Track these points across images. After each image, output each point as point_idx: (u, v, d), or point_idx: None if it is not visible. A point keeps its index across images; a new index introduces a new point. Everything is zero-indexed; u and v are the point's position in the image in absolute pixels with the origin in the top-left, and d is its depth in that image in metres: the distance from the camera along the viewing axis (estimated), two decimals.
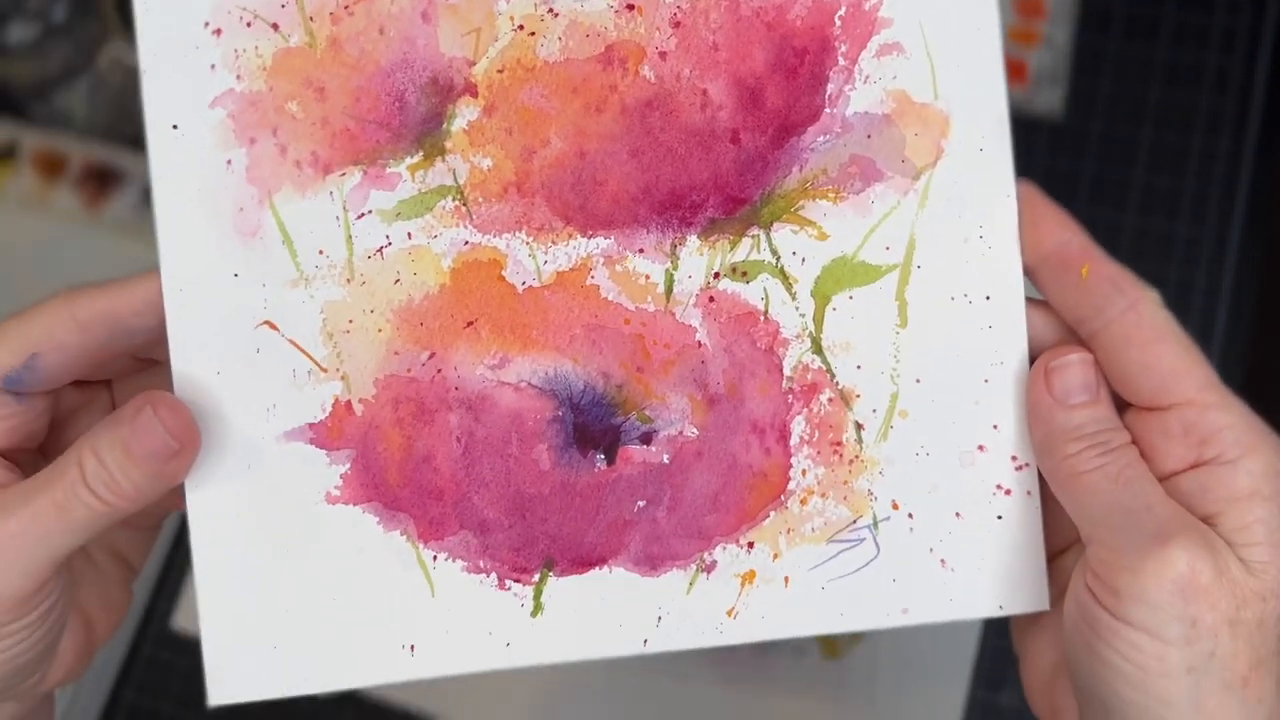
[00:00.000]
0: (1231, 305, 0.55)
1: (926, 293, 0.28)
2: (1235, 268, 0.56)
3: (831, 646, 0.50)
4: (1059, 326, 0.28)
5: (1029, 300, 0.28)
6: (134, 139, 0.68)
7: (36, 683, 0.27)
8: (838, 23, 0.27)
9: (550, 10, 0.27)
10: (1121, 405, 0.27)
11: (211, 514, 0.26)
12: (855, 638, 0.49)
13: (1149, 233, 0.57)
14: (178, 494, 0.28)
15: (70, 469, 0.24)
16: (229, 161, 0.25)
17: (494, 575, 0.27)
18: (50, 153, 0.69)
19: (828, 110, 0.27)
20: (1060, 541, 0.29)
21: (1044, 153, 0.58)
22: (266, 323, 0.26)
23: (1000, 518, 0.28)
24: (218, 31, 0.25)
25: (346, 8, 0.26)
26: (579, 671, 0.50)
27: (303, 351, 0.26)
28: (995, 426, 0.28)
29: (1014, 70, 0.59)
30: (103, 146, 0.67)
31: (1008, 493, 0.28)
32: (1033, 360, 0.28)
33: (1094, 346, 0.27)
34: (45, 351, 0.24)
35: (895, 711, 0.50)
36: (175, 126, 0.25)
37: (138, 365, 0.28)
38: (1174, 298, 0.52)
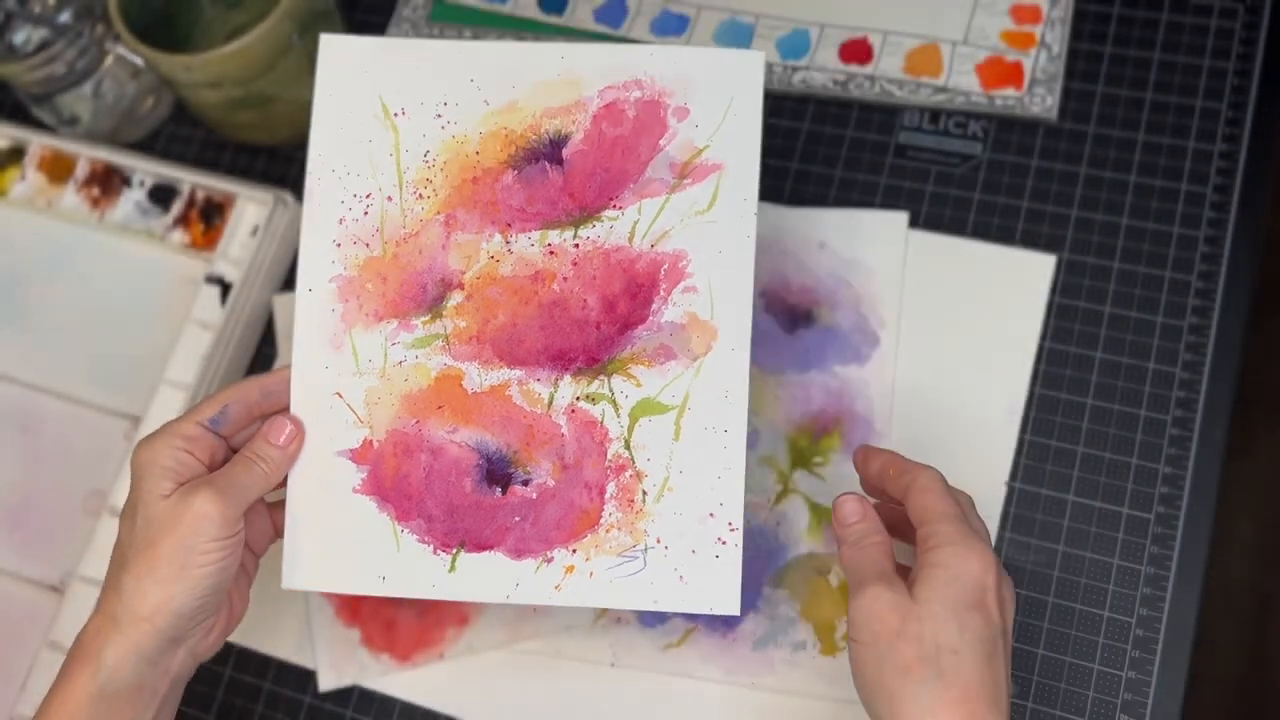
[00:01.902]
0: (1225, 304, 0.56)
1: (692, 424, 0.49)
2: (1229, 267, 0.56)
3: (829, 645, 0.55)
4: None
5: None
6: (137, 142, 0.70)
7: (208, 630, 0.46)
8: (662, 273, 0.50)
9: (509, 249, 0.50)
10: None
11: (298, 488, 0.49)
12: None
13: (1144, 233, 0.58)
14: (276, 529, 0.50)
15: (243, 454, 0.47)
16: (333, 310, 0.50)
17: (431, 545, 0.49)
18: (56, 155, 0.68)
19: (651, 318, 0.50)
20: None
21: (1039, 154, 0.60)
22: (337, 393, 0.49)
23: (718, 557, 0.48)
24: (338, 244, 0.50)
25: (404, 239, 0.50)
26: (582, 668, 0.57)
27: (353, 411, 0.49)
28: (721, 504, 0.48)
29: (1011, 73, 0.61)
30: (108, 149, 0.67)
31: (723, 543, 0.48)
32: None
33: (905, 499, 0.46)
34: (231, 405, 0.48)
35: None
36: (310, 289, 0.50)
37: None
38: (1169, 297, 0.57)
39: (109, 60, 0.67)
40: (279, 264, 0.66)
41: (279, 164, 0.70)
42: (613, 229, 0.50)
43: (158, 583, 0.44)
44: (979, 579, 0.43)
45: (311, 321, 0.50)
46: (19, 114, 0.72)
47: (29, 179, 0.68)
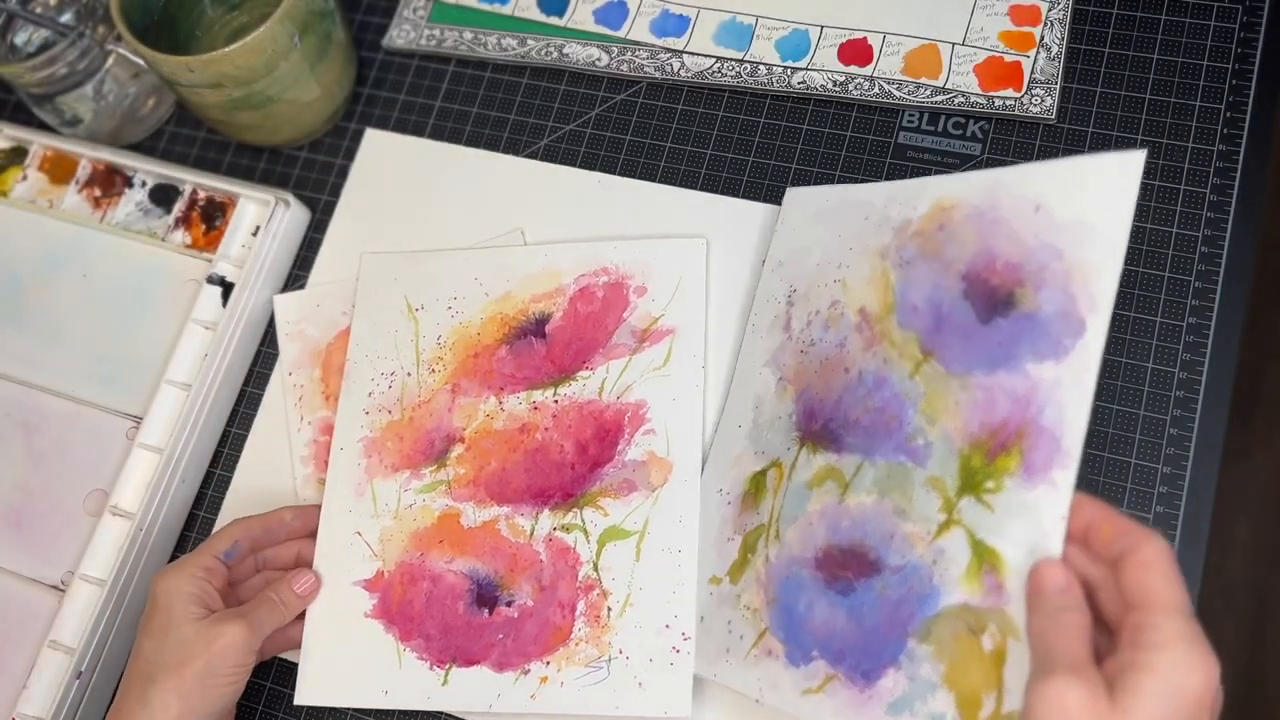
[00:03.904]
0: (1223, 304, 0.56)
1: (652, 547, 0.56)
2: (1227, 267, 0.56)
3: None
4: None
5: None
6: (139, 143, 0.70)
7: None
8: (626, 419, 0.59)
9: (501, 408, 0.60)
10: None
11: (316, 615, 0.58)
12: None
13: (1142, 234, 0.58)
14: (261, 655, 0.57)
15: (267, 595, 0.56)
16: (359, 464, 0.60)
17: (428, 661, 0.56)
18: (58, 155, 0.67)
19: (617, 457, 0.58)
20: None
21: (1038, 154, 0.60)
22: (358, 532, 0.59)
23: (672, 664, 0.53)
24: (366, 412, 0.62)
25: (419, 405, 0.61)
26: (729, 698, 0.54)
27: (369, 546, 0.59)
28: (675, 616, 0.54)
29: (1010, 74, 0.62)
30: (109, 149, 0.66)
31: (677, 651, 0.53)
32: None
33: (1116, 568, 0.40)
34: (240, 540, 0.58)
35: None
36: (342, 449, 0.61)
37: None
38: (1167, 297, 0.57)
39: (110, 61, 0.67)
40: (280, 264, 0.66)
41: (280, 164, 0.70)
42: (585, 386, 0.60)
43: (181, 697, 0.51)
44: (1199, 696, 0.37)
45: (341, 474, 0.61)
46: (21, 114, 0.72)
47: (31, 179, 0.68)
